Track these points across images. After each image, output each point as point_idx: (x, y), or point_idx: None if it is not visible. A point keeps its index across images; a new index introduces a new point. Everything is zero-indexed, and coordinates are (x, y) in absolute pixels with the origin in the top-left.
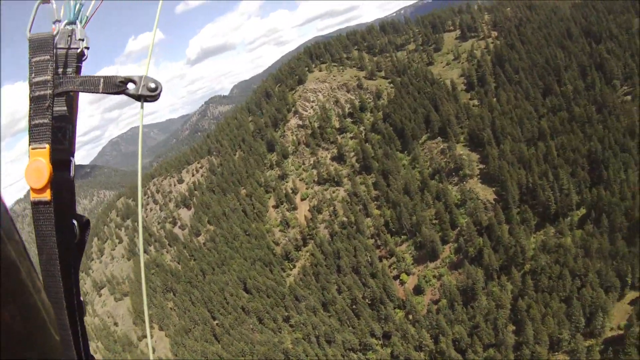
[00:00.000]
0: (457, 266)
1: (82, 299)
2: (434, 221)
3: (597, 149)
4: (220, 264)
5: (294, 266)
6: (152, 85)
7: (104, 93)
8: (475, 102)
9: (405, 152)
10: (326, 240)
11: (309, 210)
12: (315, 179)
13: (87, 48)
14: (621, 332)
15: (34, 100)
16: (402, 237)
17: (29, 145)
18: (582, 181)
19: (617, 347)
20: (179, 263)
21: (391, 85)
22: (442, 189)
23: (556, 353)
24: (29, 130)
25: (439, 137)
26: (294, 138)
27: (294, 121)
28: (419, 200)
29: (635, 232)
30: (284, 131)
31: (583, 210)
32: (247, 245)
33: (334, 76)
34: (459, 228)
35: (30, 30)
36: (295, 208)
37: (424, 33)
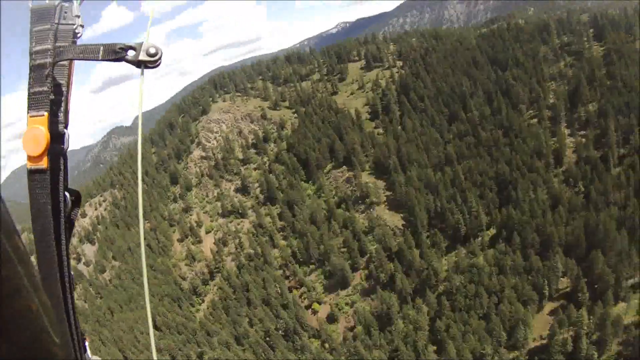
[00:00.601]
0: (369, 292)
1: (71, 272)
2: (342, 249)
3: (505, 170)
4: (128, 302)
5: (203, 301)
6: (152, 51)
7: (103, 60)
8: (380, 130)
9: (310, 181)
10: (234, 273)
11: (214, 243)
12: (220, 212)
13: (82, 26)
14: (544, 342)
15: (34, 68)
16: (311, 266)
17: (27, 113)
18: (490, 202)
19: (542, 356)
20: (85, 302)
21: (295, 115)
22: (349, 217)
23: None
24: (28, 98)
25: (344, 166)
26: (197, 170)
27: (197, 152)
28: (326, 229)
29: (548, 247)
30: (187, 163)
31: (493, 230)
32: (153, 281)
33: (237, 106)
34: (368, 255)
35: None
36: (200, 241)
37: (329, 63)
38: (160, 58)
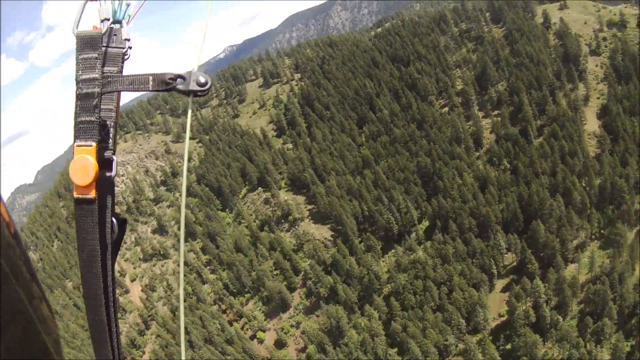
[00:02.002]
0: (313, 310)
1: (117, 297)
2: (275, 272)
3: (426, 162)
4: None
5: (144, 352)
6: (202, 80)
7: (153, 91)
8: (290, 145)
9: (227, 209)
10: (169, 318)
11: (142, 290)
12: (141, 256)
13: (130, 48)
14: (504, 319)
15: (81, 97)
16: (247, 295)
17: (74, 141)
18: (418, 196)
19: (507, 332)
20: None
21: (200, 144)
22: (275, 238)
23: (448, 358)
24: (75, 127)
25: (259, 188)
26: None
27: None
28: (254, 255)
29: (486, 228)
30: None
31: (426, 223)
32: (88, 342)
33: (140, 145)
34: (303, 272)
35: (77, 27)
36: (127, 291)
37: (226, 86)
38: (210, 87)
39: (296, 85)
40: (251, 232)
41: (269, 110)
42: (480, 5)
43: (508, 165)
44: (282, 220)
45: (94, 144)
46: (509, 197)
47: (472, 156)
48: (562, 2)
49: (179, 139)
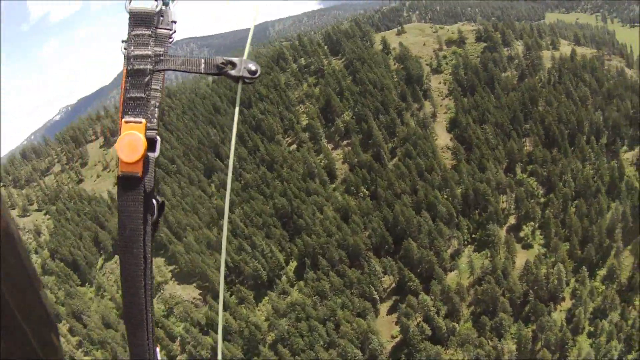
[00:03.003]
0: None
1: (153, 279)
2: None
3: (283, 203)
4: None
5: None
6: (253, 68)
7: (205, 74)
8: None
9: (87, 283)
10: None
11: None
12: None
13: (175, 31)
14: (398, 339)
15: (132, 73)
16: None
17: (122, 117)
18: (281, 238)
19: (406, 350)
20: None
21: (47, 216)
22: None
23: None
24: (124, 102)
25: (115, 255)
26: None
27: None
28: (125, 329)
29: (357, 256)
30: None
31: (294, 263)
32: None
33: None
34: (178, 337)
35: (130, 2)
36: None
37: (67, 150)
38: (259, 75)
39: None
40: (117, 305)
41: (111, 171)
42: (318, 39)
43: (367, 192)
44: None
45: (144, 120)
46: (374, 222)
47: (329, 189)
48: (400, 27)
49: (25, 212)
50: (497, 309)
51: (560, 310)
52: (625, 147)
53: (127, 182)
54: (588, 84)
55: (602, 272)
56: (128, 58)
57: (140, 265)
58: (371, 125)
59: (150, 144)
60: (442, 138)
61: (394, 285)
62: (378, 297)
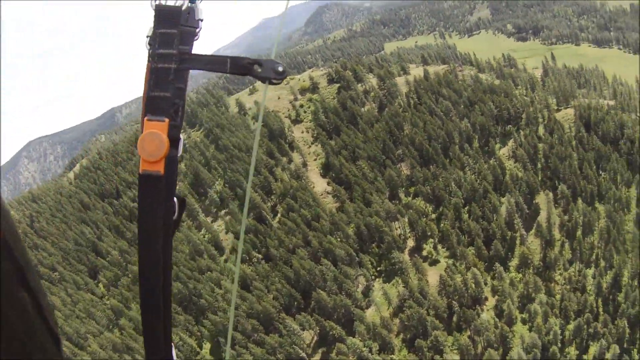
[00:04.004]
0: None
1: (171, 277)
2: None
3: (178, 287)
4: None
5: None
6: (279, 69)
7: (231, 73)
8: None
9: None
10: None
11: None
12: None
13: (201, 29)
14: None
15: (155, 71)
16: None
17: (144, 115)
18: (186, 322)
19: None
20: None
21: None
22: None
23: None
24: (147, 101)
25: None
26: None
27: None
28: None
29: (271, 322)
30: None
31: (208, 344)
32: None
33: None
34: None
35: (155, 0)
36: None
37: None
38: (285, 76)
39: None
40: None
41: None
42: None
43: (259, 255)
44: None
45: (167, 119)
46: (276, 283)
47: (220, 262)
48: (252, 86)
49: None
50: (427, 329)
51: (488, 310)
52: (498, 145)
53: (148, 181)
54: (448, 98)
55: (515, 262)
56: (152, 56)
57: (159, 264)
58: (245, 189)
59: (174, 143)
60: (319, 184)
61: (316, 338)
62: (305, 355)
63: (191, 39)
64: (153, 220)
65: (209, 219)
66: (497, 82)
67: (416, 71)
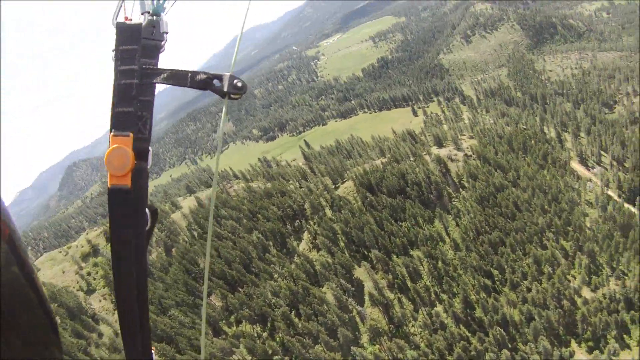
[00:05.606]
0: None
1: (147, 286)
2: None
3: None
4: None
5: None
6: (239, 84)
7: (191, 87)
8: None
9: None
10: None
11: None
12: None
13: (166, 41)
14: None
15: (119, 87)
16: None
17: (110, 131)
18: None
19: None
20: None
21: None
22: None
23: None
24: (112, 117)
25: None
26: None
27: None
28: None
29: None
30: None
31: None
32: None
33: None
34: None
35: (116, 18)
36: None
37: None
38: (244, 91)
39: None
40: None
41: None
42: None
43: None
44: None
45: (130, 134)
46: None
47: None
48: None
49: None
50: None
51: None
52: (295, 242)
53: (116, 195)
54: (229, 217)
55: (365, 338)
56: (116, 73)
57: (132, 274)
58: None
59: (141, 155)
60: None
61: None
62: None
63: (156, 52)
64: (123, 232)
65: None
66: (269, 185)
67: (187, 202)
